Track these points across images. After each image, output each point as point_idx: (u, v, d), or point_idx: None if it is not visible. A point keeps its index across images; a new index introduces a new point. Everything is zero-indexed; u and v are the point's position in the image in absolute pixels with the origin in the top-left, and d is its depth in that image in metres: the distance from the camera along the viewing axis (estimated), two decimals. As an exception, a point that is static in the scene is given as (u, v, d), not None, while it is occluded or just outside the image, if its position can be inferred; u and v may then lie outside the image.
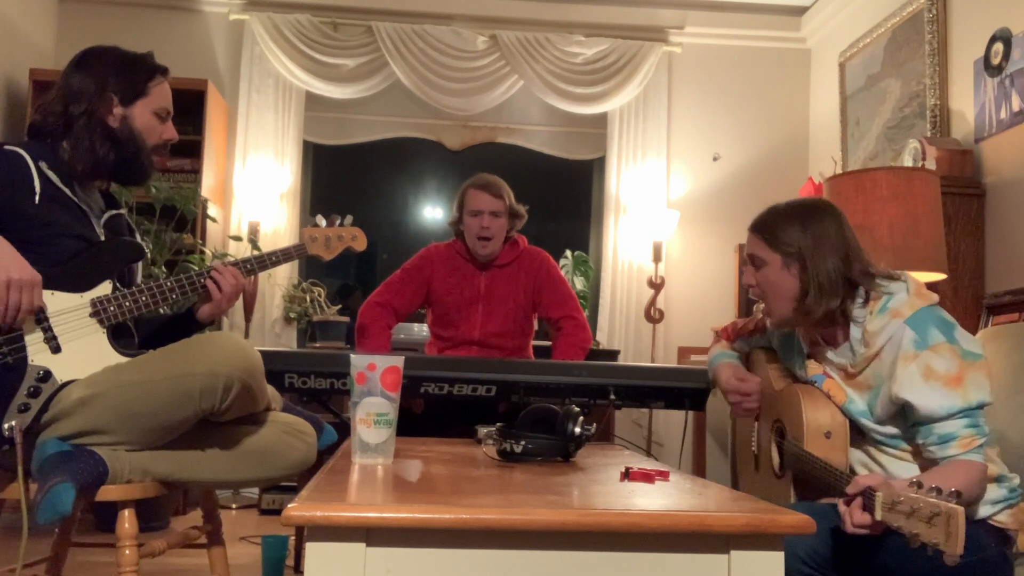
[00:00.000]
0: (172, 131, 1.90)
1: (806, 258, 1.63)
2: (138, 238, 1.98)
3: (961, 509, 1.12)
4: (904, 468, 1.61)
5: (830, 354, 1.70)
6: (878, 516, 1.27)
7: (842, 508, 1.35)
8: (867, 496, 1.31)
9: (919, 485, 1.22)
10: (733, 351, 2.06)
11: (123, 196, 1.98)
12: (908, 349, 1.54)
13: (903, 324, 1.56)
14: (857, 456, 1.68)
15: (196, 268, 3.29)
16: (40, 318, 1.62)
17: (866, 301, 1.62)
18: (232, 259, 1.95)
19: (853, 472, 1.68)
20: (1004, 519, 1.55)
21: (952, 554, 1.12)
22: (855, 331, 1.63)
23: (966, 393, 1.50)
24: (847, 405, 1.66)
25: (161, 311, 1.95)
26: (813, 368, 1.74)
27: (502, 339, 2.88)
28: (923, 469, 1.58)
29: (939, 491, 1.18)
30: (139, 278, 1.91)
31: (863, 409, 1.64)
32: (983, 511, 1.54)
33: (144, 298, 1.74)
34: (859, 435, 1.68)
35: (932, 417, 1.51)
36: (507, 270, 2.92)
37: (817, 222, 1.65)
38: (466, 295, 2.89)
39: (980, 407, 1.51)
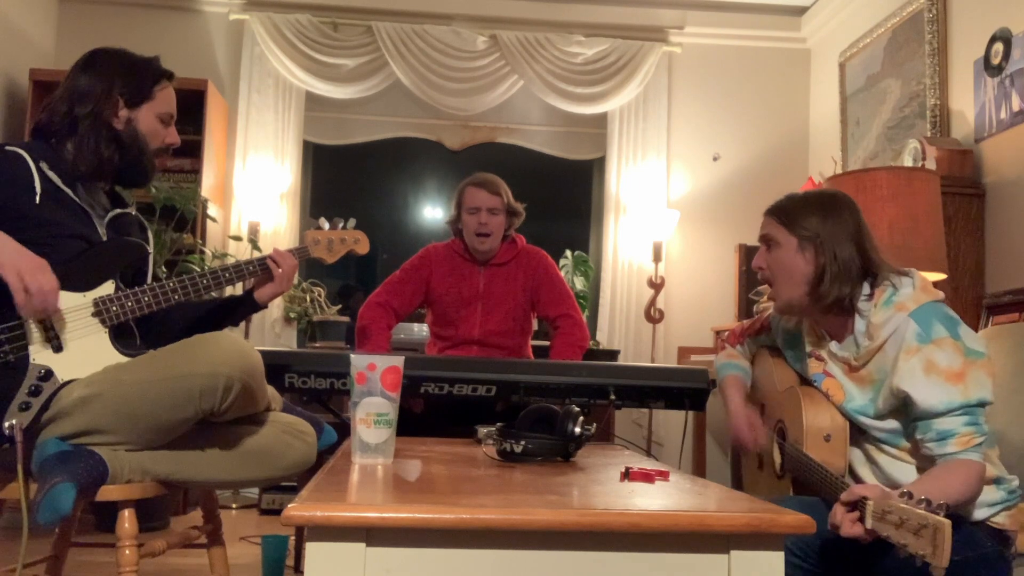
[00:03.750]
0: (175, 135, 1.91)
1: (824, 243, 1.63)
2: (149, 234, 1.98)
3: (948, 523, 1.12)
4: (901, 468, 1.60)
5: (834, 347, 1.70)
6: (868, 525, 1.28)
7: (838, 515, 1.35)
8: (860, 505, 1.31)
9: (910, 495, 1.22)
10: (741, 360, 2.05)
11: (124, 196, 1.98)
12: (911, 342, 1.53)
13: (907, 317, 1.55)
14: (856, 455, 1.68)
15: (197, 268, 3.28)
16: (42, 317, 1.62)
17: (871, 295, 1.63)
18: (235, 261, 1.96)
19: (852, 472, 1.68)
20: (1002, 520, 1.55)
21: (939, 567, 1.12)
22: (859, 324, 1.63)
23: (966, 390, 1.48)
24: (846, 404, 1.66)
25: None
26: (814, 367, 1.74)
27: (502, 338, 2.88)
28: (921, 470, 1.57)
29: (928, 503, 1.17)
30: (150, 276, 1.91)
31: (863, 405, 1.64)
32: (981, 513, 1.53)
33: (147, 298, 1.74)
34: (859, 433, 1.67)
35: (931, 412, 1.49)
36: (506, 269, 2.92)
37: (835, 211, 1.66)
38: (465, 294, 2.89)
39: (980, 405, 1.50)
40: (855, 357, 1.64)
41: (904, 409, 1.58)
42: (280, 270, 1.95)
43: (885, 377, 1.58)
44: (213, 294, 1.91)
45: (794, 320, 1.83)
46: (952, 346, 1.51)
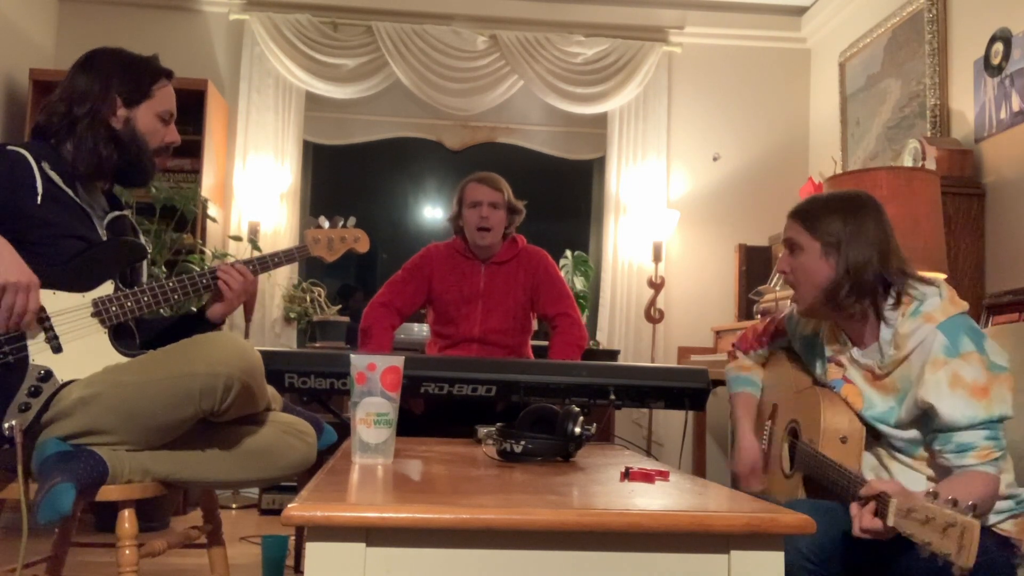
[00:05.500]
0: (175, 134, 1.90)
1: (844, 249, 1.63)
2: (141, 239, 1.98)
3: (977, 523, 1.11)
4: (913, 477, 1.60)
5: (856, 353, 1.68)
6: (890, 522, 1.26)
7: (854, 510, 1.35)
8: (881, 501, 1.30)
9: (935, 496, 1.21)
10: (752, 373, 2.03)
11: (123, 196, 1.97)
12: (938, 355, 1.53)
13: (935, 329, 1.55)
14: (868, 461, 1.67)
15: (197, 268, 3.28)
16: (42, 318, 1.62)
17: (897, 303, 1.61)
18: (234, 260, 1.95)
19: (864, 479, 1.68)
20: (1009, 528, 1.56)
21: (963, 567, 1.11)
22: (886, 332, 1.62)
23: (990, 405, 1.49)
24: (865, 411, 1.65)
25: (162, 312, 1.94)
26: (833, 372, 1.73)
27: (502, 336, 2.89)
28: (934, 480, 1.58)
29: (955, 503, 1.16)
30: (144, 277, 1.91)
31: (884, 412, 1.63)
32: (989, 519, 1.54)
33: (146, 298, 1.74)
34: (873, 439, 1.66)
35: (954, 425, 1.50)
36: (506, 267, 2.93)
37: (859, 215, 1.65)
38: (466, 292, 2.90)
39: (1001, 420, 1.51)
40: (879, 365, 1.63)
41: (925, 420, 1.57)
42: (230, 289, 1.87)
43: (910, 387, 1.58)
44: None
45: (811, 325, 1.82)
46: (978, 361, 1.52)
